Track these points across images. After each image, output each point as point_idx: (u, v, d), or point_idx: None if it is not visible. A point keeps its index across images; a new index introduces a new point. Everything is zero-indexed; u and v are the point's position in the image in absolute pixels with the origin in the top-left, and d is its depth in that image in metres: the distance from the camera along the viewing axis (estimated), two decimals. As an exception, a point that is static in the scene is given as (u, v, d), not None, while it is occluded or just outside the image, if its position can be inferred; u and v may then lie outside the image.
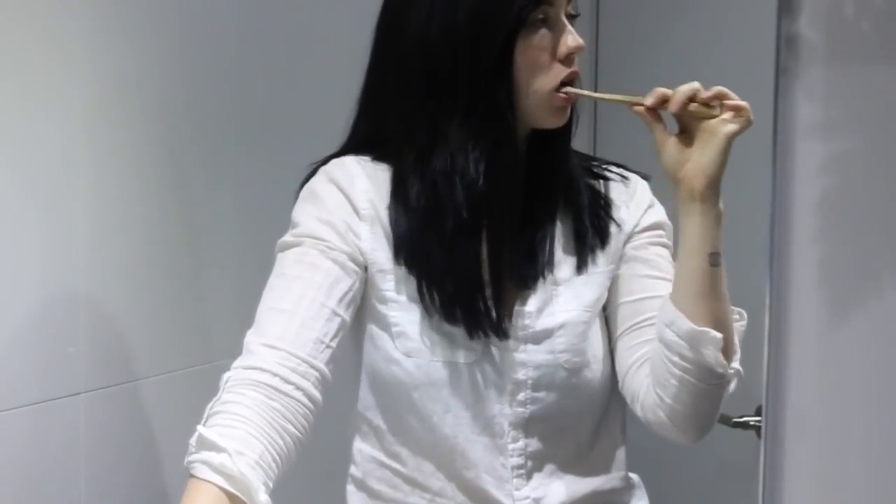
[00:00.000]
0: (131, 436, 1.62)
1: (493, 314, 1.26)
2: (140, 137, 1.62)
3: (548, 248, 1.31)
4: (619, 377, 1.34)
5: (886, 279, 2.07)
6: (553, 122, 1.28)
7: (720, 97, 1.20)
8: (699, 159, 1.21)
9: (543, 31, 1.24)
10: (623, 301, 1.33)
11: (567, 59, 1.25)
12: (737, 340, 1.27)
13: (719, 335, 1.21)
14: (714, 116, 1.20)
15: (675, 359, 1.23)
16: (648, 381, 1.28)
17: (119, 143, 1.57)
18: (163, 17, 1.65)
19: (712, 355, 1.22)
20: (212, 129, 1.78)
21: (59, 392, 1.46)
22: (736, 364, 1.26)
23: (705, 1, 2.30)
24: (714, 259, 1.23)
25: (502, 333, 1.27)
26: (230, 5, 1.81)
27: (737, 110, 1.20)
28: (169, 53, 1.67)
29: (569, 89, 1.25)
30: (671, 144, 1.23)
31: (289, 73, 1.95)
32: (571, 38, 1.25)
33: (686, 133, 1.23)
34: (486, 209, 1.26)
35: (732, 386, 1.27)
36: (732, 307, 1.27)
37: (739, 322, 1.29)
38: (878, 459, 2.10)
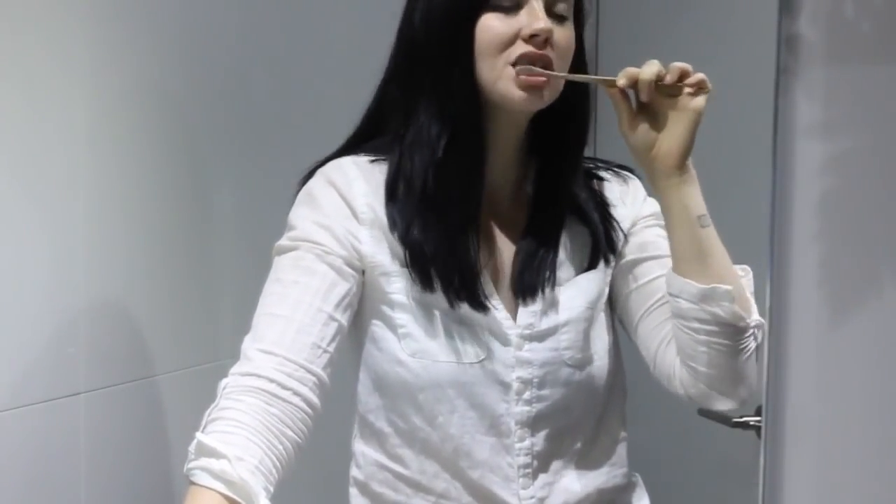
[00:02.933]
0: (131, 436, 1.62)
1: (461, 284, 1.26)
2: (142, 138, 1.62)
3: (549, 262, 1.31)
4: (649, 362, 1.35)
5: (886, 279, 2.07)
6: (520, 101, 1.25)
7: (682, 76, 1.23)
8: (671, 136, 1.23)
9: (509, 14, 1.24)
10: (634, 287, 1.35)
11: (531, 41, 1.24)
12: (749, 294, 1.29)
13: (728, 286, 1.23)
14: (678, 93, 1.23)
15: (695, 325, 1.25)
16: (679, 358, 1.29)
17: (121, 144, 1.57)
18: (164, 20, 1.66)
19: (728, 310, 1.23)
20: (215, 129, 1.78)
21: (59, 392, 1.46)
22: (756, 316, 1.28)
23: (705, 1, 2.30)
24: (703, 220, 1.25)
25: (484, 307, 1.27)
26: (231, 7, 1.81)
27: (699, 85, 1.23)
28: (171, 56, 1.67)
29: (533, 68, 1.24)
30: (638, 125, 1.24)
31: (291, 74, 1.95)
32: (536, 20, 1.23)
33: (649, 111, 1.24)
34: (444, 182, 1.27)
35: (760, 337, 1.29)
36: (736, 264, 1.29)
37: (745, 277, 1.30)
38: (878, 459, 2.10)
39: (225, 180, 1.82)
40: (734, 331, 1.25)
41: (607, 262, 1.35)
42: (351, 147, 1.35)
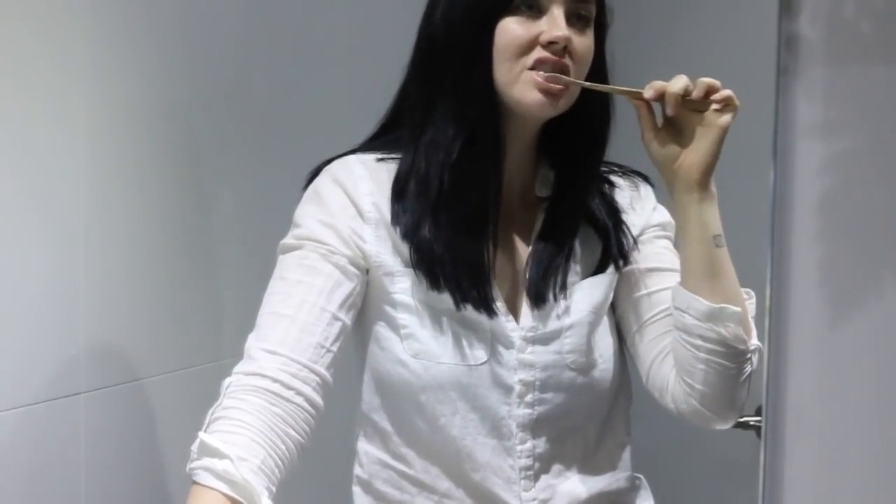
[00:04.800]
0: (131, 436, 1.62)
1: (469, 286, 1.26)
2: (142, 137, 1.62)
3: (562, 269, 1.31)
4: (643, 373, 1.35)
5: (886, 279, 2.07)
6: (534, 104, 1.25)
7: (709, 92, 1.23)
8: (695, 151, 1.23)
9: (528, 18, 1.24)
10: (637, 296, 1.35)
11: (549, 48, 1.24)
12: (751, 319, 1.29)
13: (737, 308, 1.24)
14: (704, 109, 1.23)
15: (698, 342, 1.25)
16: (674, 372, 1.29)
17: (120, 143, 1.57)
18: (165, 20, 1.65)
19: (733, 331, 1.24)
20: (217, 128, 1.78)
21: (59, 392, 1.46)
22: (755, 341, 1.28)
23: (706, 1, 2.30)
24: (718, 240, 1.26)
25: (491, 311, 1.27)
26: (232, 7, 1.81)
27: (726, 101, 1.23)
28: (172, 56, 1.67)
29: (560, 77, 1.24)
30: (662, 137, 1.24)
31: (293, 72, 1.95)
32: (555, 27, 1.24)
33: (673, 125, 1.24)
34: (459, 184, 1.26)
35: (755, 362, 1.29)
36: (741, 288, 1.30)
37: (749, 301, 1.31)
38: (878, 459, 2.10)
39: (226, 179, 1.81)
40: (735, 353, 1.25)
41: (617, 267, 1.35)
42: (365, 145, 1.35)
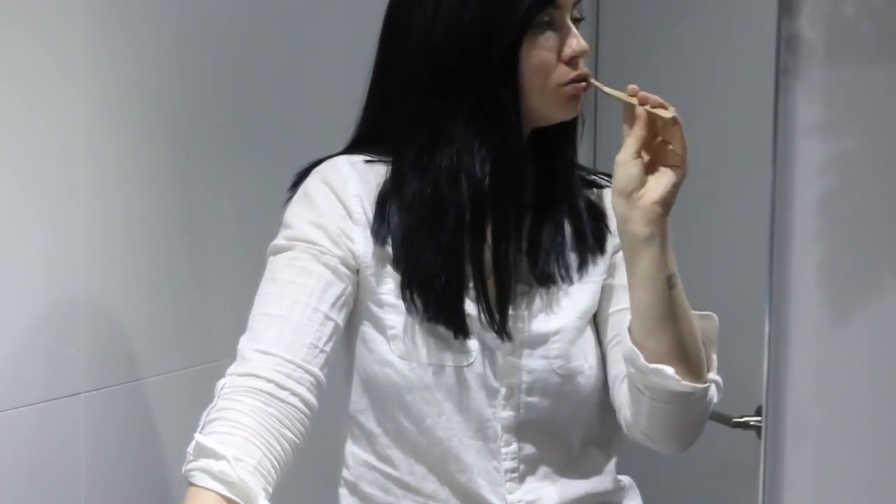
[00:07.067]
0: (131, 436, 1.62)
1: (485, 315, 1.26)
2: (140, 138, 1.62)
3: (561, 249, 1.31)
4: (609, 389, 1.33)
5: (886, 279, 2.07)
6: (564, 114, 1.28)
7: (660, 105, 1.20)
8: (659, 184, 1.19)
9: (549, 34, 1.25)
10: (611, 311, 1.33)
11: (571, 62, 1.25)
12: (708, 349, 1.25)
13: (670, 370, 1.20)
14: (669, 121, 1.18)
15: (640, 386, 1.23)
16: (628, 397, 1.28)
17: (119, 144, 1.57)
18: (163, 21, 1.66)
19: (674, 383, 1.21)
20: (213, 130, 1.78)
21: (59, 392, 1.46)
22: (712, 375, 1.25)
23: (705, 1, 2.30)
24: (671, 281, 1.21)
25: (506, 335, 1.27)
26: (230, 8, 1.81)
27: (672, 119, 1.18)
28: (169, 56, 1.67)
29: (584, 75, 1.25)
30: (637, 164, 1.20)
31: (289, 73, 1.95)
32: (576, 42, 1.25)
33: (651, 157, 1.21)
34: (490, 209, 1.26)
35: (714, 396, 1.26)
36: (700, 312, 1.26)
37: (710, 325, 1.27)
38: (877, 459, 2.10)
39: (223, 181, 1.82)
40: (678, 397, 1.22)
41: (594, 266, 1.34)
42: (351, 151, 1.34)
